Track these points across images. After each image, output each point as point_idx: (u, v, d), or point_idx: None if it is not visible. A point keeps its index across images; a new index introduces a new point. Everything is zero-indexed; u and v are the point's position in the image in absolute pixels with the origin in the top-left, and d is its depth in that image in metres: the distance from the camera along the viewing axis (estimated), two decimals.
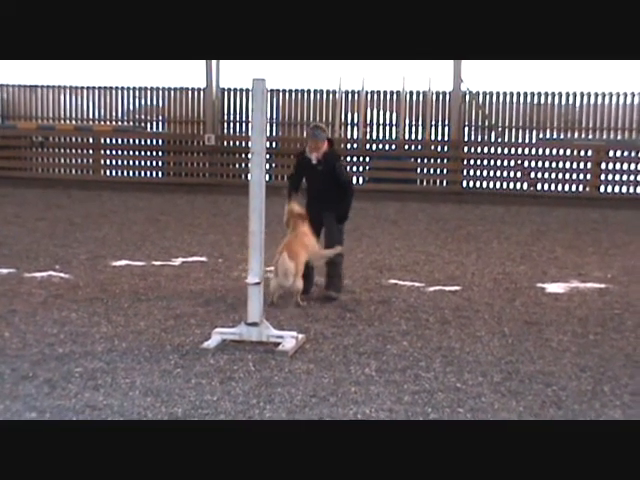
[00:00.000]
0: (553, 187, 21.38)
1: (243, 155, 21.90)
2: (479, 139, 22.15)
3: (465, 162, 21.68)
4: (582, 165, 21.32)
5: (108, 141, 23.16)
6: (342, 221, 10.02)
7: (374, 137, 22.58)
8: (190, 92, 23.19)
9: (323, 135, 9.94)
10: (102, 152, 23.03)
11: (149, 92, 23.57)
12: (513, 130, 22.10)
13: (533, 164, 21.50)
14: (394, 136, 22.42)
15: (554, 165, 21.40)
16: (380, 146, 22.35)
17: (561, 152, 21.36)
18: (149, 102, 23.70)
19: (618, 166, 21.28)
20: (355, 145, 22.15)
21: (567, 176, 21.29)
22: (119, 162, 23.19)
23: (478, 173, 21.71)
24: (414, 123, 22.34)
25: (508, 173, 21.55)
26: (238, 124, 23.25)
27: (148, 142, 23.10)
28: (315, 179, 9.89)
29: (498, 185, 21.55)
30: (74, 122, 23.83)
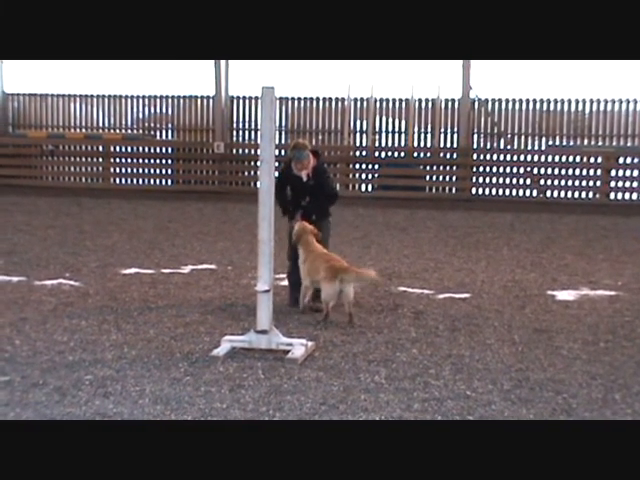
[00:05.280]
0: (563, 194, 21.35)
1: (252, 163, 21.95)
2: (488, 146, 22.11)
3: (474, 169, 21.66)
4: (592, 172, 21.29)
5: (118, 149, 23.23)
6: (323, 217, 9.94)
7: (383, 144, 22.58)
8: (199, 100, 23.23)
9: (306, 153, 9.81)
10: (112, 160, 23.10)
11: (158, 100, 23.60)
12: (522, 137, 22.07)
13: (542, 171, 21.47)
14: (403, 143, 22.41)
15: (564, 172, 21.37)
16: (389, 153, 22.34)
17: (571, 159, 21.32)
18: (158, 110, 23.74)
19: (628, 173, 21.23)
20: (364, 152, 22.17)
21: (577, 183, 21.26)
22: (129, 170, 23.24)
23: (487, 180, 21.70)
24: (423, 130, 22.33)
25: (517, 180, 21.53)
26: (247, 132, 23.29)
27: (158, 150, 23.16)
28: (304, 192, 9.82)
29: (507, 192, 21.53)
30: (84, 130, 23.89)
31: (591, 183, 21.26)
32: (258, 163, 8.04)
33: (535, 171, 21.40)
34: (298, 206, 9.88)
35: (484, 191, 21.70)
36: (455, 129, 22.05)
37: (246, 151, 22.69)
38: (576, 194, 21.27)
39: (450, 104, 22.06)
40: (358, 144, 22.57)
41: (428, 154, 22.10)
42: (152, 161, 23.08)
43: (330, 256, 9.54)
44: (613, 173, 21.17)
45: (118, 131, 23.81)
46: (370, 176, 22.13)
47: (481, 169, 21.70)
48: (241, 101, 23.00)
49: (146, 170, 23.10)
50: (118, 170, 23.29)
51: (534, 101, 21.84)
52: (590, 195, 21.23)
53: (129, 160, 23.23)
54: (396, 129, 22.56)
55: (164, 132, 23.93)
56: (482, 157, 21.81)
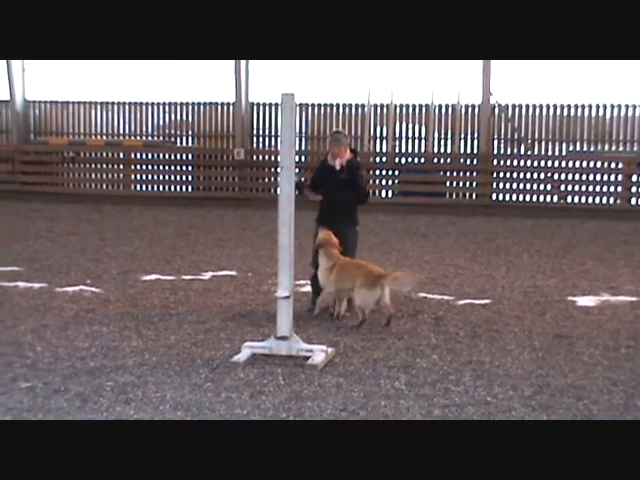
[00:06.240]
0: (583, 200, 21.25)
1: (272, 169, 21.93)
2: (508, 152, 22.05)
3: (494, 175, 21.60)
4: (612, 177, 21.18)
5: (138, 156, 23.32)
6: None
7: (403, 150, 22.55)
8: (220, 107, 23.28)
9: (345, 140, 9.92)
10: (132, 167, 23.20)
11: (179, 107, 23.67)
12: (542, 143, 21.99)
13: (563, 177, 21.38)
14: (423, 149, 22.38)
15: (584, 177, 21.28)
16: (409, 159, 22.30)
17: (591, 164, 21.26)
18: (179, 117, 23.81)
19: None
20: (384, 159, 22.14)
21: (597, 188, 21.18)
22: (149, 177, 23.32)
23: (507, 186, 21.63)
24: (443, 136, 22.28)
25: (538, 186, 21.46)
26: (267, 138, 23.30)
27: (178, 157, 23.25)
28: (334, 186, 9.76)
29: (528, 198, 21.47)
30: (105, 137, 24.00)
31: (612, 189, 21.16)
32: (278, 170, 8.06)
33: (555, 177, 21.32)
34: (328, 203, 9.83)
35: (504, 197, 21.64)
36: (475, 135, 22.00)
37: (266, 158, 22.72)
38: (597, 200, 21.17)
39: (470, 110, 22.02)
40: (378, 150, 22.55)
41: (448, 160, 22.05)
42: (172, 168, 23.16)
43: (363, 262, 9.62)
44: (634, 178, 21.04)
45: (139, 138, 23.88)
46: (390, 182, 22.13)
47: (501, 175, 21.64)
48: (261, 107, 23.03)
49: (166, 177, 23.19)
50: (139, 177, 23.37)
51: (554, 107, 21.76)
52: (611, 201, 21.14)
53: (150, 167, 23.32)
54: (416, 135, 22.54)
55: (184, 139, 24.01)
56: (502, 163, 21.76)
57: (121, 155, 23.21)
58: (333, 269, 9.39)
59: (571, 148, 21.81)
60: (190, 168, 23.11)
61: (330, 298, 9.55)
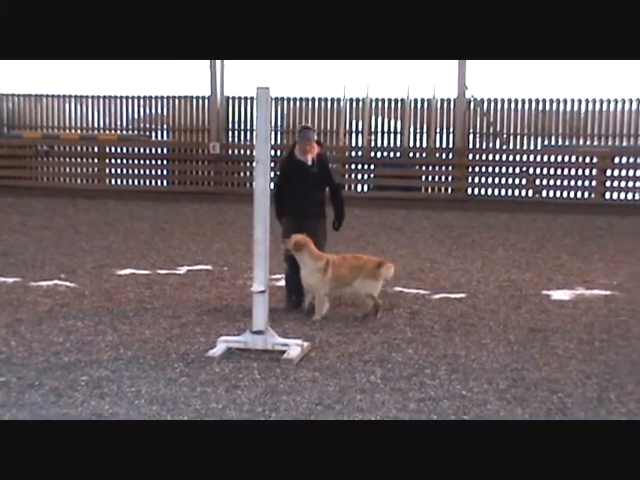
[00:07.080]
0: (558, 194, 21.35)
1: (248, 163, 21.90)
2: (484, 146, 22.11)
3: (470, 169, 21.66)
4: (587, 172, 21.28)
5: (113, 150, 23.19)
6: (341, 224, 9.94)
7: (379, 145, 22.58)
8: (195, 101, 23.21)
9: (314, 135, 9.84)
10: (107, 161, 23.09)
11: (154, 101, 23.58)
12: (518, 137, 22.06)
13: (538, 171, 21.47)
14: (399, 144, 22.41)
15: (559, 172, 21.37)
16: (385, 154, 22.34)
17: (566, 159, 21.33)
18: (154, 111, 23.72)
19: (623, 173, 21.26)
20: (360, 153, 22.15)
21: (572, 183, 21.26)
22: (124, 171, 23.21)
23: (483, 180, 21.70)
24: (419, 130, 22.32)
25: (513, 180, 21.53)
26: (243, 132, 23.26)
27: (153, 151, 23.14)
28: (305, 182, 9.58)
29: (503, 192, 21.53)
30: (79, 131, 23.87)
31: (586, 183, 21.26)
32: (254, 164, 8.05)
33: (531, 171, 21.40)
34: (298, 200, 9.63)
35: (480, 191, 21.70)
36: (451, 129, 22.05)
37: (241, 152, 22.67)
38: (571, 194, 21.27)
39: (446, 104, 22.06)
40: (354, 144, 22.55)
41: (424, 154, 22.09)
42: (147, 162, 23.05)
43: (356, 254, 9.89)
44: (608, 173, 21.17)
45: (113, 132, 23.80)
46: (366, 176, 22.12)
47: (477, 169, 21.69)
48: (236, 101, 22.99)
49: (141, 171, 23.07)
50: (113, 171, 23.26)
51: (530, 101, 21.84)
52: (585, 195, 21.23)
53: (124, 161, 23.21)
54: (392, 129, 22.56)
55: (159, 133, 23.93)
56: (478, 157, 21.82)
57: (96, 149, 23.08)
58: (327, 268, 9.29)
59: (546, 142, 21.92)
60: (165, 162, 23.02)
61: (326, 300, 9.42)
